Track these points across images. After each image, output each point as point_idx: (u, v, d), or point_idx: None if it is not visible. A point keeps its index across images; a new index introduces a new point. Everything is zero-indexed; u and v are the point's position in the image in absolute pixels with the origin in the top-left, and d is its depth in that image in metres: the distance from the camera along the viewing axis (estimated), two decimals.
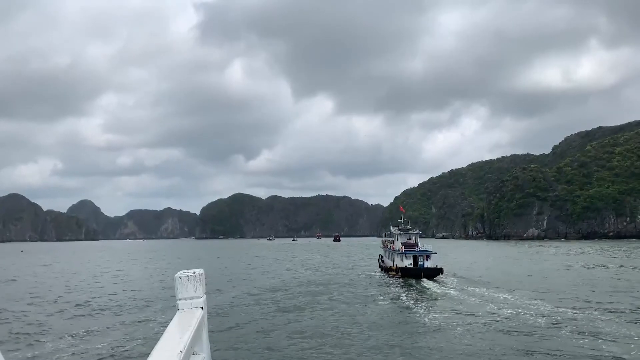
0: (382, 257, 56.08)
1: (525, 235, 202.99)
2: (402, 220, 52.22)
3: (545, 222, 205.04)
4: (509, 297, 30.45)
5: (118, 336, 21.27)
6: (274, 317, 25.35)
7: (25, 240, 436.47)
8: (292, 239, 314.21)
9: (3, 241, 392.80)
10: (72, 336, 21.33)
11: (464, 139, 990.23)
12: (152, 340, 18.66)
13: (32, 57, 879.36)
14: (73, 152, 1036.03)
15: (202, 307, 3.37)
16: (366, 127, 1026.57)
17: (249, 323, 23.83)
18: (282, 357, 17.82)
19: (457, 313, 25.49)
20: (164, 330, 2.87)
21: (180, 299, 3.35)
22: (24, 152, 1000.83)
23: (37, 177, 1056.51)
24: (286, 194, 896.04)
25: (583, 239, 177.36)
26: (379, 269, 52.92)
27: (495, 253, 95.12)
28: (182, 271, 3.42)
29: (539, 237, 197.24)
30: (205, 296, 3.50)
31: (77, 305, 31.00)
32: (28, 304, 31.69)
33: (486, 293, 32.89)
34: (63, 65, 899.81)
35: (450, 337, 20.05)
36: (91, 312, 28.36)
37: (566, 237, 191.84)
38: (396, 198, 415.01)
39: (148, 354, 2.44)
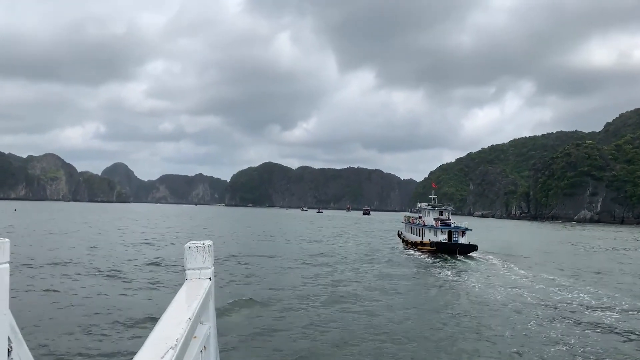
0: (400, 232, 56.25)
1: (575, 217, 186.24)
2: (433, 196, 51.19)
3: (599, 204, 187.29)
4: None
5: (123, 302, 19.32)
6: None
7: (59, 200, 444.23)
8: (316, 210, 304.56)
9: (38, 199, 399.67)
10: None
11: (504, 116, 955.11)
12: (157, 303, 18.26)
13: (89, 23, 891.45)
14: (116, 116, 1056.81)
15: (209, 278, 3.37)
16: (406, 102, 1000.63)
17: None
18: None
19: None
20: (172, 298, 2.86)
21: (188, 269, 3.34)
22: (68, 115, 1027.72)
23: (79, 139, 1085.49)
24: (318, 165, 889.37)
25: None
26: (402, 243, 51.98)
27: (554, 238, 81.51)
28: (191, 242, 3.41)
29: (591, 220, 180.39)
30: (213, 267, 3.46)
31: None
32: None
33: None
34: (119, 33, 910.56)
35: None
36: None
37: (623, 222, 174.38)
38: (431, 173, 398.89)
39: (157, 320, 2.44)
